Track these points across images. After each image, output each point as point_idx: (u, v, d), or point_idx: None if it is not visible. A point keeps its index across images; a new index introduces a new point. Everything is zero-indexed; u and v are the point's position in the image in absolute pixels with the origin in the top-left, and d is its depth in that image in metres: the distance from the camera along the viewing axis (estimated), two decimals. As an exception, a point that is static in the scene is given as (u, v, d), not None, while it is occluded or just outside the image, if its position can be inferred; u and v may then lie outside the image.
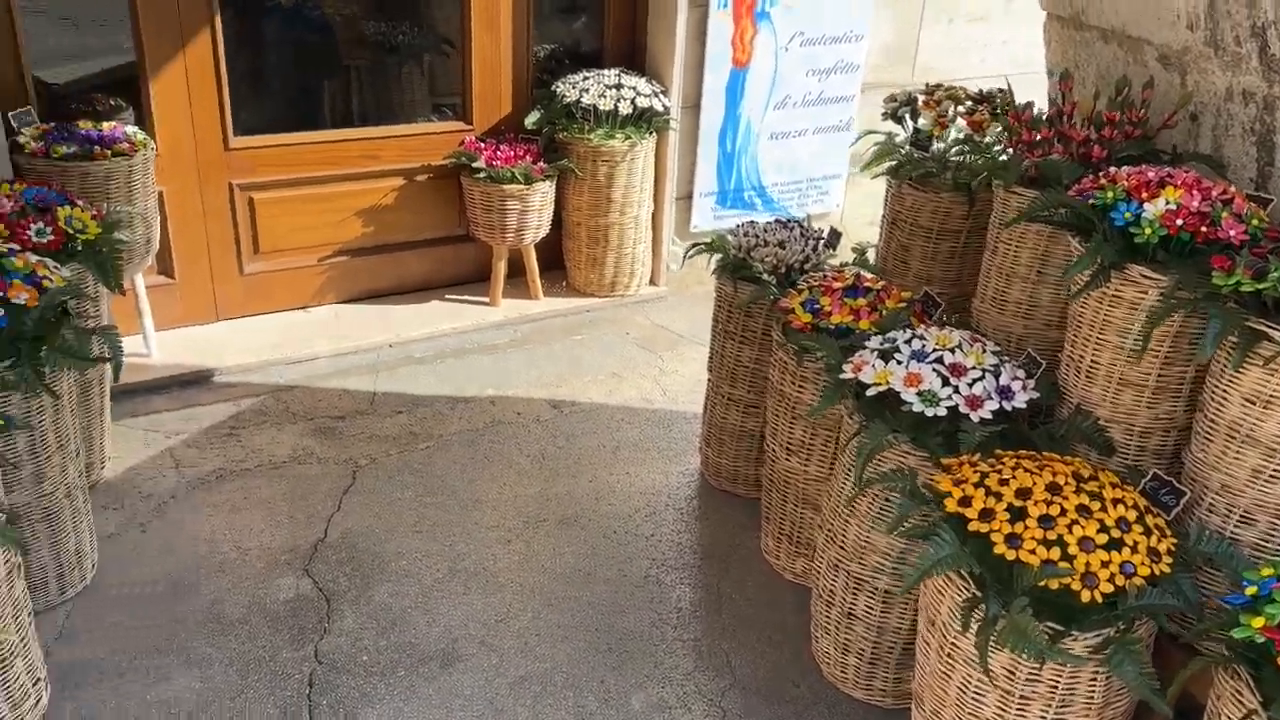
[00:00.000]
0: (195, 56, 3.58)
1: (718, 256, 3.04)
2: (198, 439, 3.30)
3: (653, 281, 4.59)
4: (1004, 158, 2.68)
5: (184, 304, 3.85)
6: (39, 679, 2.20)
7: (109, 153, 3.18)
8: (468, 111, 4.26)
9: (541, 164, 4.12)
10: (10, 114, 3.21)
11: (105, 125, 3.30)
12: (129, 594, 2.61)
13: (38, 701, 2.19)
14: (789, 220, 3.08)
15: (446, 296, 4.38)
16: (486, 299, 4.34)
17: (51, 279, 2.35)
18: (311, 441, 3.33)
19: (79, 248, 2.68)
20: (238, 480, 3.10)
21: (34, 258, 2.39)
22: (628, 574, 2.81)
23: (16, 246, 2.42)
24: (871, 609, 2.33)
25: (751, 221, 3.07)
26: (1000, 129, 2.75)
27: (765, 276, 2.81)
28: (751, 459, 3.09)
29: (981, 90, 2.95)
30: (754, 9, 4.18)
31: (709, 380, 3.18)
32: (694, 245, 3.09)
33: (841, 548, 2.34)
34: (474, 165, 4.06)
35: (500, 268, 4.27)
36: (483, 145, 4.13)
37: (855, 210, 4.95)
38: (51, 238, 2.63)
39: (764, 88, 4.37)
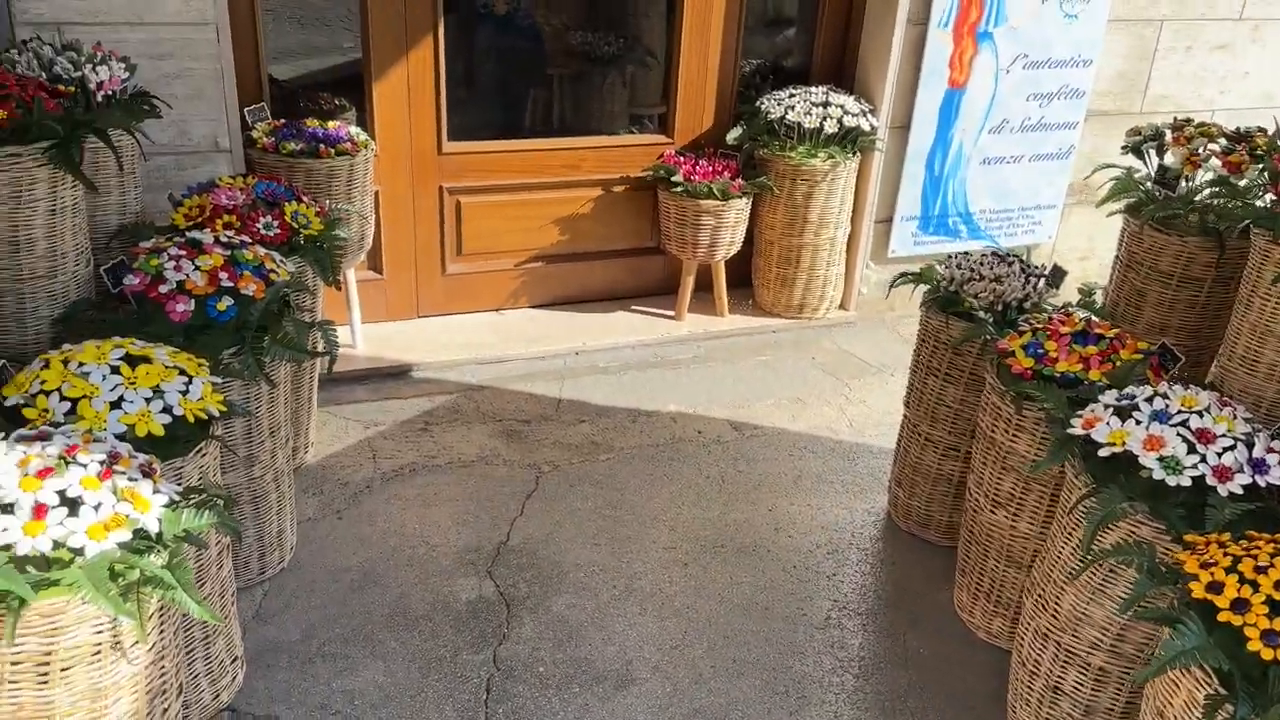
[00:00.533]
0: (417, 61, 3.70)
1: (925, 288, 2.89)
2: (393, 432, 3.40)
3: (843, 305, 4.45)
4: (1262, 203, 2.43)
5: (389, 300, 3.99)
6: (236, 657, 2.30)
7: (333, 151, 3.32)
8: (669, 125, 4.24)
9: (740, 180, 4.06)
10: (246, 109, 3.40)
11: (330, 124, 3.45)
12: (323, 579, 2.70)
13: (234, 679, 2.28)
14: (1007, 254, 2.90)
15: (632, 307, 4.38)
16: (672, 313, 4.31)
17: (278, 272, 2.45)
18: (499, 443, 3.38)
19: (302, 242, 2.80)
20: (428, 476, 3.18)
21: (262, 250, 2.50)
22: (807, 613, 2.70)
23: (247, 239, 2.54)
24: (1081, 685, 2.13)
25: (965, 253, 2.90)
26: (1260, 171, 2.49)
27: (981, 314, 2.64)
28: (947, 504, 2.92)
29: (1239, 128, 2.68)
30: (976, 28, 3.99)
31: (905, 416, 3.03)
32: (901, 275, 2.95)
33: (1054, 617, 2.15)
34: (672, 179, 4.03)
35: (688, 282, 4.24)
36: (682, 159, 4.11)
37: (1067, 243, 4.66)
38: (278, 231, 2.75)
39: (980, 110, 4.16)
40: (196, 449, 2.01)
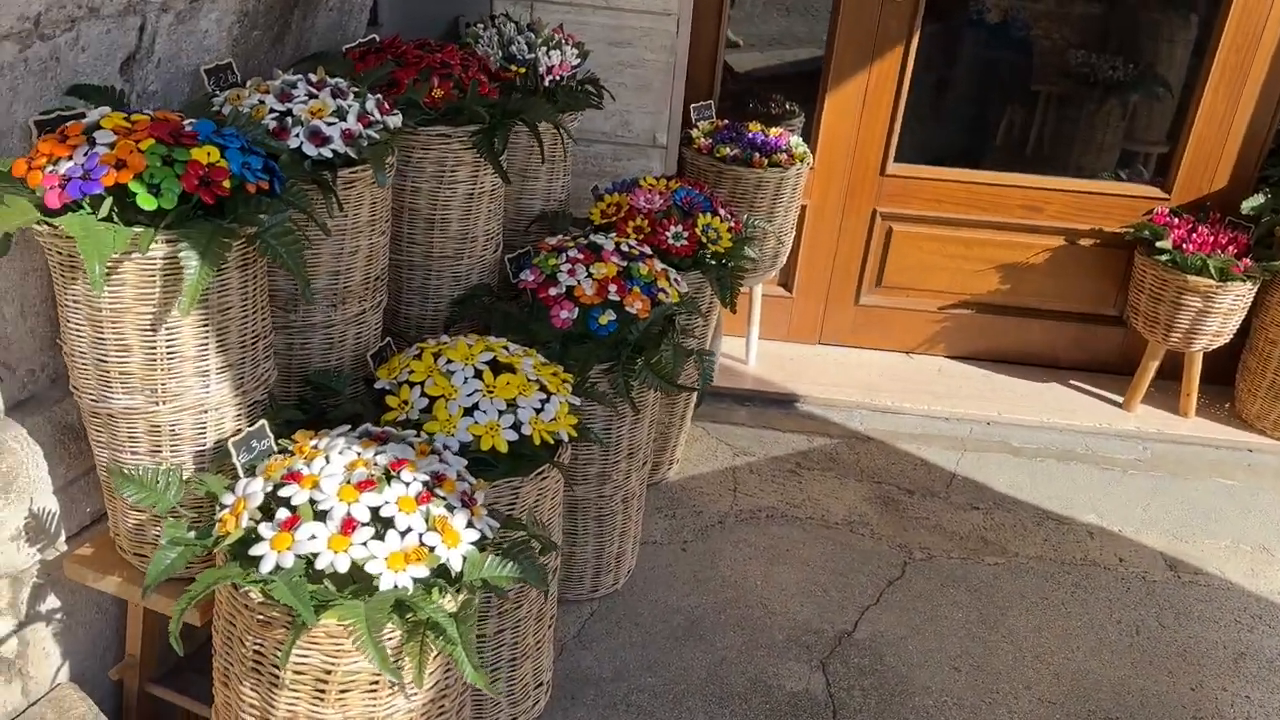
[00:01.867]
0: (881, 72, 3.37)
1: None
2: (762, 467, 3.16)
3: (1358, 439, 3.46)
4: None
5: (793, 320, 3.74)
6: (542, 683, 2.18)
7: (766, 161, 3.10)
8: (1168, 177, 3.52)
9: (1247, 260, 3.25)
10: (693, 106, 3.28)
11: (773, 131, 3.23)
12: (650, 616, 2.53)
13: (535, 705, 2.17)
14: None
15: (1070, 381, 3.74)
16: (1119, 399, 3.61)
17: (668, 294, 2.27)
18: (870, 510, 3.00)
19: (707, 258, 2.62)
20: (785, 527, 2.89)
21: (659, 266, 2.34)
22: None
23: (648, 250, 2.40)
24: None
25: None
26: None
27: None
28: None
29: None
30: None
31: None
32: None
33: None
34: (1157, 243, 3.33)
35: (1150, 368, 3.51)
36: (1175, 221, 3.38)
37: None
38: (685, 243, 2.59)
39: None
40: (538, 471, 1.88)
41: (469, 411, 1.82)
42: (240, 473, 1.58)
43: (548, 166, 2.62)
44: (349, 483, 1.49)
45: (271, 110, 1.77)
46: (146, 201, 1.44)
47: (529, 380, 1.90)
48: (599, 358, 2.17)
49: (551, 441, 1.86)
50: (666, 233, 2.58)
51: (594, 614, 2.52)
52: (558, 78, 2.62)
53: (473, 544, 1.53)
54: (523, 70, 2.54)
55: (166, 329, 1.53)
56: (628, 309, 2.19)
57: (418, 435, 1.71)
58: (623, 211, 2.62)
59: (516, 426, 1.83)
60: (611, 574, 2.56)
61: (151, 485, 1.53)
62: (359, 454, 1.57)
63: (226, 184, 1.51)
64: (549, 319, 2.18)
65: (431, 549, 1.48)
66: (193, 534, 1.50)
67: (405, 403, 1.83)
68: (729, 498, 3.00)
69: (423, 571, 1.45)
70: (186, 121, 1.57)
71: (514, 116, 2.20)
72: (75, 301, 1.51)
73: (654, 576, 2.66)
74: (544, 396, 1.89)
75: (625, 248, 2.33)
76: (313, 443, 1.62)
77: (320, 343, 1.97)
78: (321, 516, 1.46)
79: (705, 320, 2.76)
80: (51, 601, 1.80)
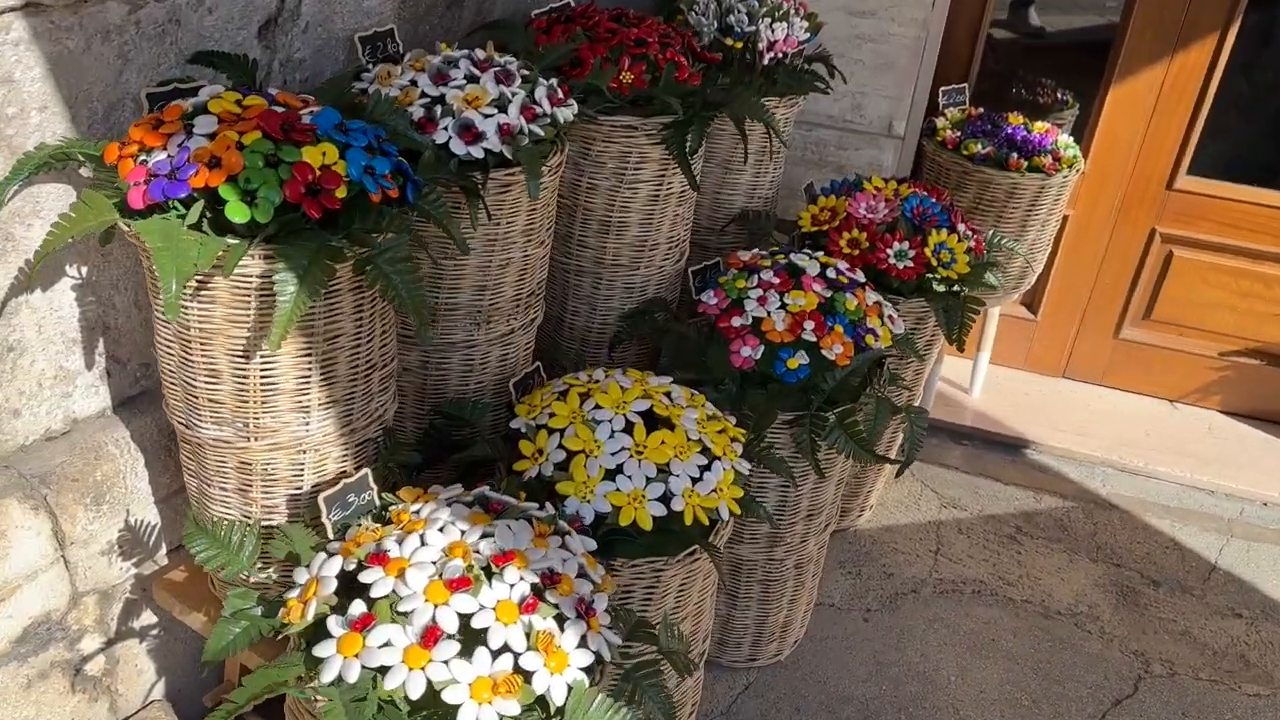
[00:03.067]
0: (1184, 65, 2.73)
1: None
2: (973, 526, 2.69)
3: None
4: None
5: (1034, 348, 3.19)
6: (673, 775, 1.88)
7: (1025, 164, 2.56)
8: None
9: None
10: (943, 89, 2.76)
11: (1037, 126, 2.67)
12: (815, 702, 2.16)
13: (661, 800, 1.87)
14: None
15: (1384, 461, 3.01)
16: None
17: (878, 335, 1.86)
18: (1103, 600, 2.49)
19: (934, 283, 2.17)
20: (992, 609, 2.43)
21: (871, 298, 1.92)
22: None
23: (860, 276, 1.97)
24: None
25: None
26: None
27: None
28: None
29: None
30: None
31: None
32: None
33: None
34: None
35: None
36: None
37: None
38: (909, 264, 2.14)
39: None
40: (688, 552, 1.55)
41: (611, 474, 1.50)
42: (330, 533, 1.34)
43: (754, 160, 2.24)
44: (440, 577, 1.21)
45: (423, 95, 1.49)
46: (237, 212, 1.18)
47: (689, 440, 1.56)
48: (784, 405, 1.80)
49: (706, 522, 1.52)
50: (888, 250, 2.14)
51: (749, 687, 2.18)
52: (780, 55, 2.22)
53: (583, 669, 1.22)
54: (739, 45, 2.16)
55: (262, 357, 1.29)
56: (824, 353, 1.79)
57: (542, 508, 1.41)
58: (838, 220, 2.20)
59: (666, 499, 1.50)
60: (775, 643, 2.21)
61: (224, 542, 1.31)
62: (462, 533, 1.29)
63: (340, 193, 1.24)
64: (728, 354, 1.82)
65: (529, 676, 1.18)
66: (260, 610, 1.26)
67: (540, 453, 1.54)
68: (928, 560, 2.56)
69: (513, 708, 1.16)
70: (306, 111, 1.30)
71: (714, 109, 1.83)
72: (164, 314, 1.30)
73: (826, 650, 2.28)
74: (705, 462, 1.55)
75: (832, 273, 1.93)
76: (414, 508, 1.35)
77: (459, 363, 1.70)
78: (404, 617, 1.19)
79: (922, 361, 2.31)
80: (147, 617, 1.65)
